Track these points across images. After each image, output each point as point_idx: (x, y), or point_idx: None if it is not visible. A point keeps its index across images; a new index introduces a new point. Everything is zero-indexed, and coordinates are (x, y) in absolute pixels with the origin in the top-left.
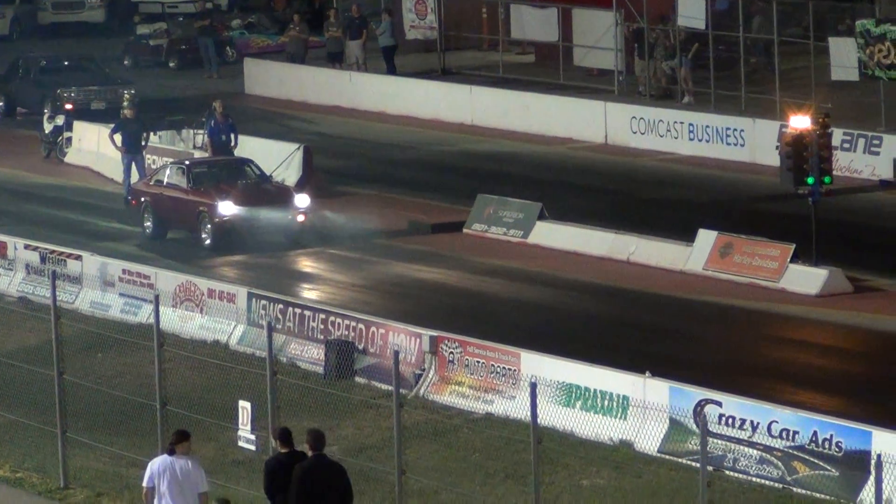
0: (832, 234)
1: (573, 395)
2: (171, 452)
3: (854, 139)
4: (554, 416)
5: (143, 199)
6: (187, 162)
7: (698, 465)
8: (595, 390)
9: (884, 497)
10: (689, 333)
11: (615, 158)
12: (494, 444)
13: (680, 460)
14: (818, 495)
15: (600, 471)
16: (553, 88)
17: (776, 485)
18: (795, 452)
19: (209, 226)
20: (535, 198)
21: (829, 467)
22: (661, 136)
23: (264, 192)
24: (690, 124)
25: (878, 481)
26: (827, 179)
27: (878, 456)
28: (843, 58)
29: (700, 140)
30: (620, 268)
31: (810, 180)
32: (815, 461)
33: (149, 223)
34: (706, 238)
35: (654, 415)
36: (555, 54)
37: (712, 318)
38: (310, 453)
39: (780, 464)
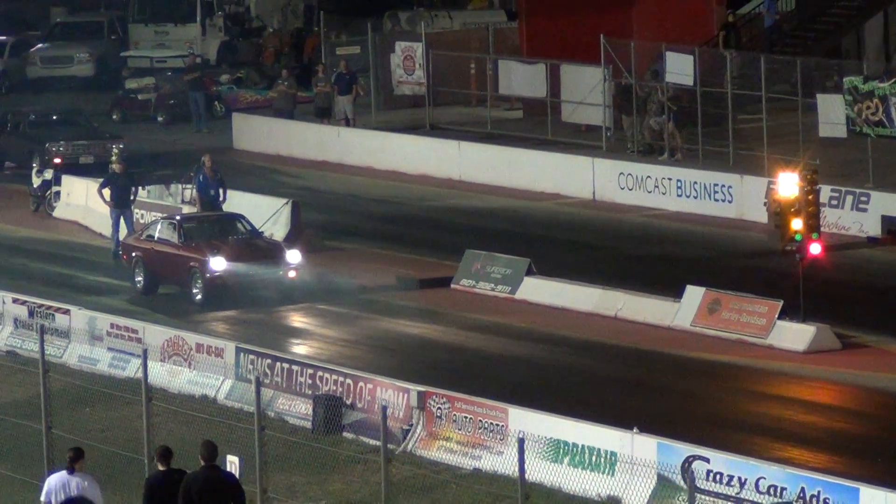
0: (820, 290)
1: (561, 450)
2: (71, 471)
3: (842, 196)
4: (542, 471)
5: (133, 255)
6: (178, 217)
7: None
8: (583, 446)
9: None
10: (676, 389)
11: (603, 214)
12: (482, 500)
13: None
14: None
15: None
16: (541, 144)
17: None
18: None
19: (200, 281)
20: (522, 253)
21: None
22: (649, 192)
23: (256, 247)
24: (678, 180)
25: None
26: (814, 236)
27: None
28: (831, 114)
29: (688, 196)
30: (608, 324)
31: (798, 237)
32: None
33: (140, 278)
34: (694, 294)
35: (641, 471)
36: (543, 110)
37: (700, 374)
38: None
39: None
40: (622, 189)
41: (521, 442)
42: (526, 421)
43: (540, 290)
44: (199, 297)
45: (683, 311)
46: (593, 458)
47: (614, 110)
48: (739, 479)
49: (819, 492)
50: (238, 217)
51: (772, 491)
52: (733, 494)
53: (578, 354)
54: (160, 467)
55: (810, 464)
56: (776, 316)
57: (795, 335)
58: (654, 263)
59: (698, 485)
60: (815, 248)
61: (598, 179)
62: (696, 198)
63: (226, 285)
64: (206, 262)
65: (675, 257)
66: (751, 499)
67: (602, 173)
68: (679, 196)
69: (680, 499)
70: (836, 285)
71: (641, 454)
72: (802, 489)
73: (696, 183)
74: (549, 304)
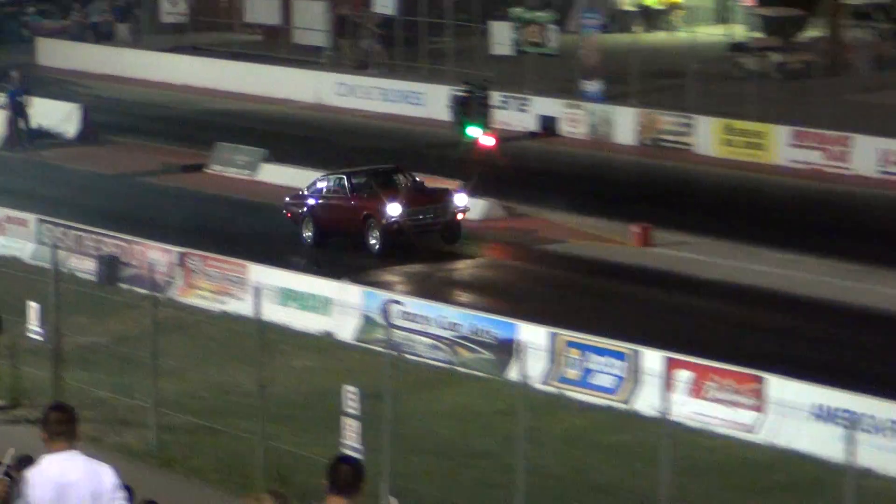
0: (492, 173)
1: (289, 296)
2: None
3: (509, 100)
4: (274, 313)
5: (300, 212)
6: (345, 172)
7: (385, 350)
8: (305, 293)
9: (524, 373)
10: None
11: (325, 115)
12: (228, 335)
13: (371, 347)
14: (476, 373)
15: (309, 355)
16: (277, 61)
17: (444, 365)
18: (459, 340)
19: (377, 230)
20: (262, 145)
21: (484, 351)
22: (360, 98)
23: (426, 192)
24: (382, 89)
25: (521, 362)
26: (486, 131)
27: (520, 342)
28: (502, 37)
29: (390, 101)
30: None
31: (471, 130)
32: (475, 347)
33: (309, 233)
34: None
35: (350, 312)
36: (279, 34)
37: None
38: None
39: (447, 349)
40: (340, 96)
41: (257, 290)
42: (262, 274)
43: (275, 174)
44: (377, 246)
45: None
46: (313, 303)
47: (334, 34)
48: (426, 317)
49: (486, 327)
50: (400, 168)
51: (451, 327)
52: (421, 329)
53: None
54: None
55: (479, 304)
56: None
57: (472, 207)
58: (365, 154)
59: (394, 322)
60: (487, 141)
61: (321, 88)
62: (396, 102)
63: (402, 231)
64: (383, 209)
65: (381, 149)
66: (435, 333)
67: (324, 83)
68: (383, 101)
69: (380, 333)
70: (504, 169)
71: (351, 299)
72: (474, 325)
73: (396, 91)
74: (283, 184)
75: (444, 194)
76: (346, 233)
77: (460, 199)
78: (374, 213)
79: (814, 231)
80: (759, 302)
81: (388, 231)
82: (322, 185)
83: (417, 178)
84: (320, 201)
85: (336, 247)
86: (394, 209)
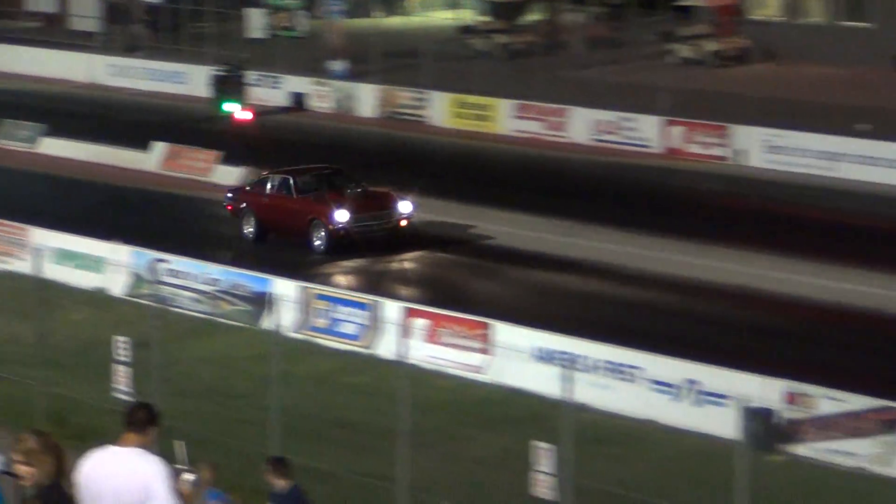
0: (249, 143)
1: (66, 256)
2: None
3: (263, 79)
4: (55, 272)
5: (242, 206)
6: (289, 171)
7: (153, 304)
8: (82, 253)
9: (277, 322)
10: (150, 212)
11: (99, 94)
12: (11, 292)
13: (140, 301)
14: (235, 323)
15: (84, 309)
16: (55, 45)
17: (206, 316)
18: (219, 294)
19: (323, 233)
20: (41, 121)
21: (242, 304)
22: (130, 78)
23: (372, 199)
24: (150, 69)
25: (274, 313)
26: (238, 104)
27: (273, 295)
28: (256, 22)
29: (157, 80)
30: (104, 170)
31: (228, 105)
32: (234, 300)
33: (251, 229)
34: (159, 147)
35: (121, 270)
36: (59, 20)
37: (168, 202)
38: None
39: (209, 302)
40: (112, 76)
41: (37, 251)
42: (44, 236)
43: (54, 146)
44: (322, 247)
45: (152, 159)
46: (89, 262)
47: (106, 20)
48: (190, 274)
49: (243, 282)
50: (339, 170)
51: (212, 282)
52: (185, 284)
53: (80, 190)
54: None
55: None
56: (217, 161)
57: (229, 174)
58: (133, 126)
59: (161, 279)
60: (244, 115)
61: (95, 69)
62: (162, 81)
63: (349, 236)
64: (331, 214)
65: (147, 122)
66: (198, 288)
67: (97, 65)
68: (151, 80)
69: (149, 288)
70: (259, 140)
71: (122, 258)
72: (234, 281)
73: (162, 71)
74: (62, 156)
75: (389, 200)
76: (289, 232)
77: (405, 206)
78: (320, 218)
79: (534, 192)
80: (483, 255)
81: (334, 236)
82: (266, 182)
83: (362, 182)
84: (264, 199)
85: (277, 242)
86: (341, 216)
